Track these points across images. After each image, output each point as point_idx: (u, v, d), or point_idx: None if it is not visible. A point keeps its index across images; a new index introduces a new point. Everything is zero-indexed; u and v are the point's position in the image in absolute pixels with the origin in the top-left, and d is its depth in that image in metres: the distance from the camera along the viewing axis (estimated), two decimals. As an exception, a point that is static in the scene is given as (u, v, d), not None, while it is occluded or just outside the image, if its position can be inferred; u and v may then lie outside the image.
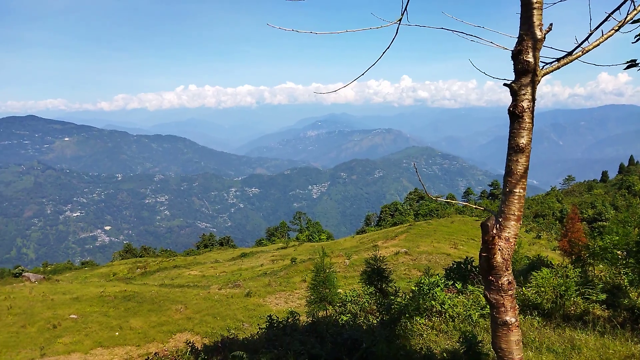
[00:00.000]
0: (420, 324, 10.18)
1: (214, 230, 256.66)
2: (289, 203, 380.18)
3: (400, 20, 4.02)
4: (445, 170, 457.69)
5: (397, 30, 4.07)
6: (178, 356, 11.19)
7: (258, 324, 17.08)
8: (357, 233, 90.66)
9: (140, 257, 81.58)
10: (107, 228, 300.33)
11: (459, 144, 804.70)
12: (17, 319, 25.84)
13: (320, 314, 15.08)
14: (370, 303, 14.04)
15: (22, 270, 53.67)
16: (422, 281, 11.47)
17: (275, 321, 12.46)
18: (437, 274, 14.26)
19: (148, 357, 12.80)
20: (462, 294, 11.75)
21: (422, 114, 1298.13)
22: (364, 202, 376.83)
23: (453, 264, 15.30)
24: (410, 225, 65.83)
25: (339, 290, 17.69)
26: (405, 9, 4.01)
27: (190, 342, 12.30)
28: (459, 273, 14.43)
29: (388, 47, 4.04)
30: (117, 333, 24.03)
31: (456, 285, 12.65)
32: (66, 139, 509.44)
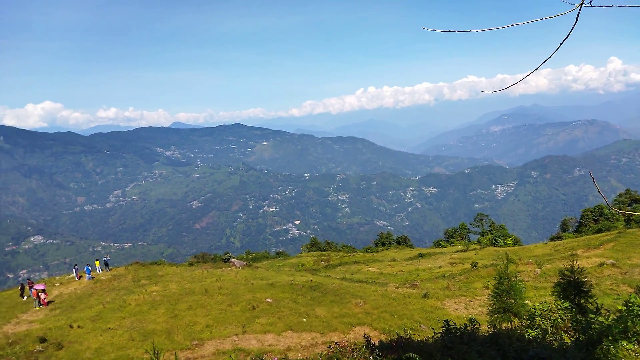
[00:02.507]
0: (627, 350, 8.63)
1: (392, 228, 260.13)
2: (470, 204, 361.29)
3: (581, 4, 3.51)
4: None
5: (578, 16, 3.56)
6: (355, 348, 11.72)
7: (432, 328, 16.72)
8: (551, 239, 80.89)
9: (324, 250, 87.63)
10: (297, 222, 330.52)
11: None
12: (225, 299, 30.43)
13: (504, 325, 14.00)
14: (565, 319, 12.45)
15: (230, 257, 62.86)
16: (633, 300, 9.71)
17: (452, 327, 12.05)
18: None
19: (330, 345, 13.74)
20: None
21: (636, 100, 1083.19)
22: (559, 204, 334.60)
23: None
24: (619, 232, 55.86)
25: (527, 301, 16.13)
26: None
27: (367, 337, 12.77)
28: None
29: (566, 37, 3.57)
30: (304, 319, 26.34)
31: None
32: (264, 143, 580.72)
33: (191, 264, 50.24)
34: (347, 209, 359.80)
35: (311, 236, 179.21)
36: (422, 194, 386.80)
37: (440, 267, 50.93)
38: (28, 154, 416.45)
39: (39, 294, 31.21)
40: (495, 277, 16.43)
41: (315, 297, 30.88)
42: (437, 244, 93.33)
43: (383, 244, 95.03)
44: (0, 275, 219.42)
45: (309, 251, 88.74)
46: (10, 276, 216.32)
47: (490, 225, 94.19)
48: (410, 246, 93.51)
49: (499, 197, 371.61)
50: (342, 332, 24.74)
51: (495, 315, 14.56)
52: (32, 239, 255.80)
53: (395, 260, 62.06)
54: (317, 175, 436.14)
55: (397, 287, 36.59)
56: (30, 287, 32.58)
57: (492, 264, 42.32)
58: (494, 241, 79.73)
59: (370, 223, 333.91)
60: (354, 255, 71.84)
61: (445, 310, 29.15)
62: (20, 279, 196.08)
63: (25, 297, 33.83)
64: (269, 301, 29.44)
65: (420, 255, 63.82)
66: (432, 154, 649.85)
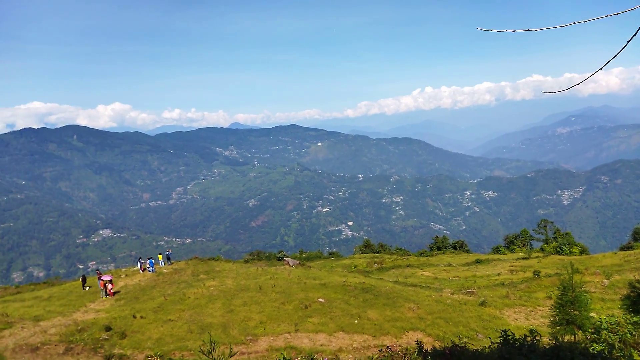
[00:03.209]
0: None
1: (448, 232, 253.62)
2: (532, 209, 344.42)
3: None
4: None
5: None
6: (407, 353, 11.57)
7: (490, 337, 16.13)
8: (621, 249, 75.29)
9: (377, 253, 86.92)
10: (350, 223, 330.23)
11: None
12: (278, 296, 30.97)
13: (566, 338, 13.25)
14: (634, 335, 11.59)
15: (284, 255, 64.00)
16: None
17: (511, 337, 11.57)
18: None
19: (381, 349, 13.64)
20: None
21: None
22: (631, 211, 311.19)
23: None
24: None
25: (592, 314, 15.16)
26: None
27: (419, 342, 12.56)
28: None
29: (634, 35, 3.33)
30: (356, 321, 26.29)
31: None
32: (319, 143, 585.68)
33: (247, 261, 51.66)
34: (401, 212, 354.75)
35: (364, 238, 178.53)
36: (481, 198, 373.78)
37: (499, 274, 49.00)
38: (99, 152, 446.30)
39: (106, 284, 33.29)
40: (558, 287, 15.59)
41: (367, 299, 30.73)
42: (496, 250, 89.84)
43: (438, 248, 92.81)
44: (71, 265, 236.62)
45: (362, 253, 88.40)
46: (81, 267, 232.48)
47: (554, 232, 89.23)
48: (467, 251, 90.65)
49: (565, 203, 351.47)
50: (394, 336, 24.45)
51: (558, 327, 13.81)
52: (101, 232, 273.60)
53: (451, 265, 60.42)
54: (371, 177, 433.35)
55: (452, 293, 35.64)
56: (99, 278, 34.83)
57: (556, 273, 40.15)
58: (558, 249, 75.54)
59: (425, 226, 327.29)
60: (407, 258, 70.75)
61: (504, 320, 28.02)
62: (89, 269, 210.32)
63: (87, 288, 36.22)
64: (321, 301, 29.65)
65: (478, 262, 61.72)
66: (492, 156, 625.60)
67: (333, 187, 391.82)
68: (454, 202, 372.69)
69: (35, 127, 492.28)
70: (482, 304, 30.95)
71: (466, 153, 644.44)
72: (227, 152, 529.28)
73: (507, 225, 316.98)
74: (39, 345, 22.68)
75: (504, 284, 40.42)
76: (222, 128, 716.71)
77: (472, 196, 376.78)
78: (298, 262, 50.78)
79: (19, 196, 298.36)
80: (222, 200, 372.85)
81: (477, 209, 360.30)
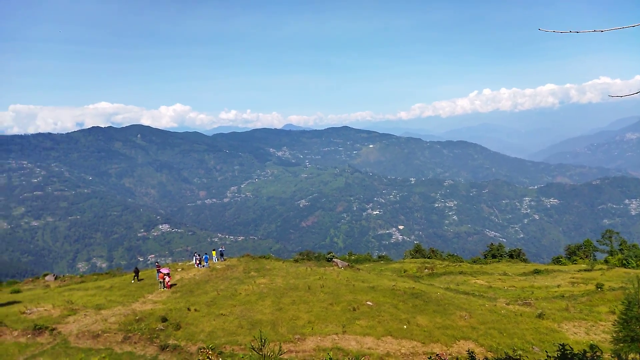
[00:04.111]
0: None
1: (504, 240, 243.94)
2: (597, 219, 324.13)
3: None
4: None
5: None
6: (458, 363, 11.31)
7: (546, 351, 15.40)
8: (698, 265, 69.36)
9: (428, 258, 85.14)
10: (401, 227, 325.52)
11: None
12: (326, 297, 31.11)
13: (630, 356, 12.41)
14: None
15: (333, 256, 64.13)
16: None
17: (569, 352, 11.01)
18: None
19: (430, 357, 13.41)
20: None
21: None
22: None
23: None
24: None
25: (663, 334, 14.07)
26: None
27: (471, 352, 12.23)
28: None
29: None
30: (405, 326, 25.93)
31: None
32: (370, 146, 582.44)
33: (296, 261, 52.31)
34: (454, 217, 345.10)
35: (415, 242, 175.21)
36: (541, 205, 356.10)
37: (559, 286, 46.51)
38: (160, 150, 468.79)
39: (164, 277, 34.89)
40: (623, 302, 14.66)
41: (417, 305, 30.21)
42: (556, 261, 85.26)
43: (493, 256, 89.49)
44: (132, 257, 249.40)
45: (412, 257, 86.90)
46: (141, 259, 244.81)
47: (620, 244, 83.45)
48: (525, 261, 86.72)
49: (633, 213, 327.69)
50: (444, 344, 23.90)
51: (621, 345, 12.95)
52: (161, 227, 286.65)
53: (507, 274, 58.06)
54: (424, 180, 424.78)
55: (507, 304, 34.30)
56: (158, 271, 36.58)
57: (621, 287, 37.56)
58: (624, 262, 70.59)
59: (479, 233, 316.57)
60: (460, 265, 68.76)
61: (562, 334, 26.62)
62: (149, 262, 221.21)
63: (139, 280, 38.09)
64: (369, 304, 29.50)
65: (536, 272, 58.88)
66: (555, 162, 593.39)
67: (384, 189, 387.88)
68: (512, 209, 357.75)
69: (102, 126, 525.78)
70: (540, 316, 29.58)
71: (526, 158, 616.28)
72: (279, 153, 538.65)
73: (569, 235, 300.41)
74: (99, 332, 24.18)
75: (563, 296, 38.35)
76: (275, 129, 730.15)
77: (532, 203, 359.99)
78: (347, 264, 50.75)
79: (86, 191, 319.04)
80: (274, 199, 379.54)
81: (536, 217, 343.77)
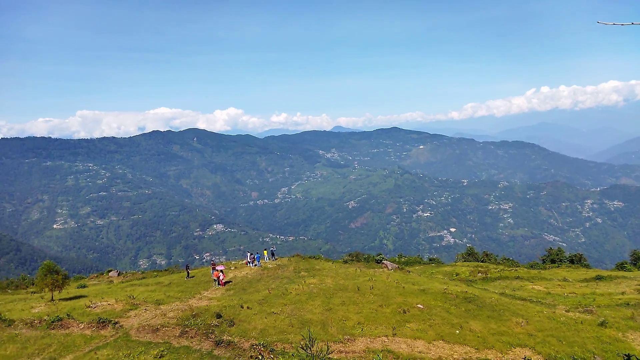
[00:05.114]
0: None
1: (564, 245, 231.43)
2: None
3: None
4: None
5: None
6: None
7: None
8: None
9: (482, 262, 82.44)
10: (452, 230, 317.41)
11: None
12: (376, 299, 30.91)
13: None
14: None
15: (382, 258, 63.53)
16: None
17: (636, 364, 10.39)
18: None
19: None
20: None
21: None
22: None
23: None
24: None
25: None
26: None
27: None
28: None
29: None
30: (457, 331, 25.31)
31: None
32: (421, 147, 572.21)
33: (345, 262, 52.35)
34: (510, 220, 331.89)
35: (468, 245, 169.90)
36: (604, 208, 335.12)
37: (623, 293, 43.63)
38: (214, 153, 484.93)
39: (219, 274, 36.10)
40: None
41: (470, 310, 29.41)
42: (620, 267, 79.92)
43: (552, 261, 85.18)
44: (189, 255, 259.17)
45: (465, 261, 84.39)
46: (197, 257, 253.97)
47: (696, 251, 77.04)
48: (587, 266, 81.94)
49: None
50: (499, 351, 23.14)
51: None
52: (215, 226, 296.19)
53: (567, 280, 55.15)
54: (477, 182, 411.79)
55: (567, 311, 32.65)
56: (213, 269, 37.91)
57: (699, 298, 34.71)
58: (702, 270, 65.12)
59: (537, 237, 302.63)
60: (516, 270, 66.04)
61: (628, 344, 25.02)
62: (204, 260, 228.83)
63: (190, 277, 39.57)
64: (420, 307, 29.05)
65: (599, 278, 55.51)
66: (619, 162, 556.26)
67: (435, 191, 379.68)
68: (572, 212, 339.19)
69: (162, 130, 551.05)
70: (602, 324, 27.94)
71: (587, 158, 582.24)
72: (329, 155, 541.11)
73: (635, 240, 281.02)
74: (159, 326, 25.40)
75: (628, 304, 35.95)
76: (324, 131, 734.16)
77: (594, 206, 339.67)
78: (397, 266, 50.21)
79: (147, 191, 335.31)
80: (323, 200, 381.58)
81: (599, 220, 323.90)
